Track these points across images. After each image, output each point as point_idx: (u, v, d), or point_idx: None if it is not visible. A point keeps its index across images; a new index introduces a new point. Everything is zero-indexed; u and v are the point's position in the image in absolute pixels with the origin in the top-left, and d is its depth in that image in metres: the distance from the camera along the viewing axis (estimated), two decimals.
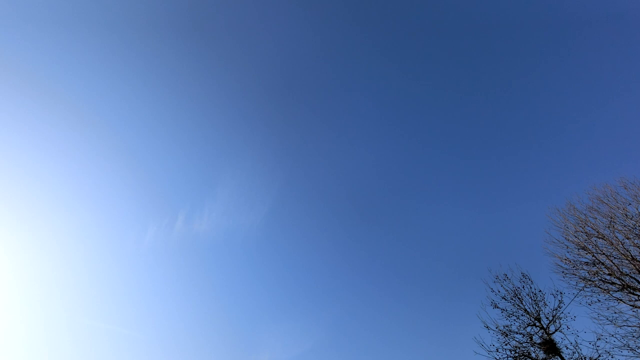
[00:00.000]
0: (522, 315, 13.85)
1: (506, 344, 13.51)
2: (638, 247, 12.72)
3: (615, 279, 12.91)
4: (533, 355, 13.21)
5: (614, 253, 13.10)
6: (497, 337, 13.74)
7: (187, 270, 36.62)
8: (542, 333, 13.38)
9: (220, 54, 37.60)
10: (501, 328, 13.82)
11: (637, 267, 12.47)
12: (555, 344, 13.02)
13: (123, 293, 34.97)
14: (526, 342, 13.40)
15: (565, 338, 13.03)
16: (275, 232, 38.45)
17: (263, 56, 36.87)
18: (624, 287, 12.70)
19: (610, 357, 12.27)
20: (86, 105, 34.41)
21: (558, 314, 13.41)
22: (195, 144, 37.86)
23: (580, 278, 13.72)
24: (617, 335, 12.55)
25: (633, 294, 12.59)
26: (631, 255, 12.66)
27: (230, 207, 37.29)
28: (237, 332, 33.50)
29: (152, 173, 38.12)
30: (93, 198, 36.12)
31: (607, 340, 12.52)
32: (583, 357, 12.52)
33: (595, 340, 12.58)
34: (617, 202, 13.69)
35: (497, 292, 14.56)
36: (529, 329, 13.61)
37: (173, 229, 35.89)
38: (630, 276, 12.64)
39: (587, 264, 13.69)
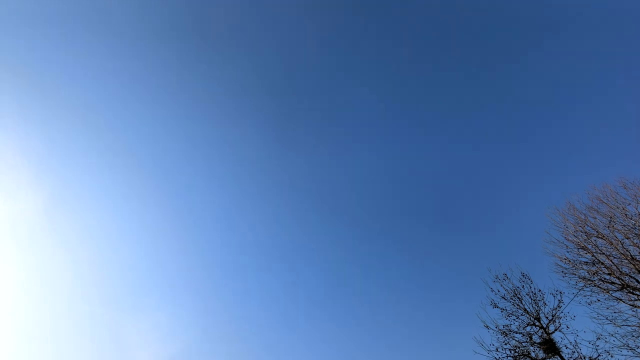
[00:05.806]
0: (521, 315, 13.87)
1: (506, 344, 13.52)
2: (637, 246, 12.74)
3: (615, 278, 12.93)
4: (532, 354, 13.22)
5: (613, 253, 13.12)
6: (497, 336, 13.76)
7: None
8: (542, 332, 13.39)
9: (222, 53, 37.66)
10: (501, 327, 13.84)
11: (636, 266, 12.49)
12: (554, 343, 13.03)
13: None
14: (526, 341, 13.42)
15: (564, 337, 13.05)
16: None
17: (264, 55, 36.94)
18: (624, 286, 12.72)
19: (609, 357, 12.28)
20: None
21: (558, 314, 13.43)
22: None
23: (579, 278, 13.74)
24: (616, 335, 12.58)
25: (632, 293, 12.61)
26: (630, 255, 12.68)
27: None
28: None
29: None
30: None
31: (607, 339, 12.54)
32: (582, 357, 12.53)
33: (595, 339, 12.60)
34: (617, 202, 13.72)
35: (496, 291, 14.58)
36: (528, 328, 13.64)
37: None
38: (630, 276, 12.66)
39: (586, 263, 13.72)
